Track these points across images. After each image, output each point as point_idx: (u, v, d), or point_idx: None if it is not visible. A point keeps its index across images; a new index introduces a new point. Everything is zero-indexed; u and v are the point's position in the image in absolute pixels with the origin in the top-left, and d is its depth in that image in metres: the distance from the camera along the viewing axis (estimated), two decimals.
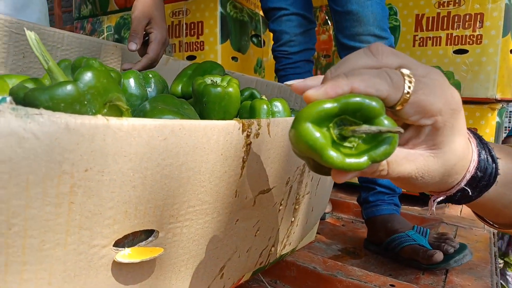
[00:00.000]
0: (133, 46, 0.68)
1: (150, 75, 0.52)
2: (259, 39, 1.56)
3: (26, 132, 0.24)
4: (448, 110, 0.26)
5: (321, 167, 0.28)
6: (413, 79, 0.25)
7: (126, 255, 0.32)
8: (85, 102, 0.28)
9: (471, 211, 0.36)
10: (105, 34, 1.60)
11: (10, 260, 0.26)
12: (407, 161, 0.27)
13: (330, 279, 0.70)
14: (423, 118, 0.26)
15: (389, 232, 0.88)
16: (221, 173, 0.38)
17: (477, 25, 1.23)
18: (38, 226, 0.27)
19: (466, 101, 1.27)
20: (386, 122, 0.24)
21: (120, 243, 0.33)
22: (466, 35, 1.25)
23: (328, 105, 0.24)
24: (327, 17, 1.66)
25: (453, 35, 1.27)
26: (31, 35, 0.29)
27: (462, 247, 0.79)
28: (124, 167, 0.29)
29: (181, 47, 1.44)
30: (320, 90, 0.25)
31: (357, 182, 0.98)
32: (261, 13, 1.54)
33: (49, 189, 0.26)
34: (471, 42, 1.25)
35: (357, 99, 0.24)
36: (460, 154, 0.28)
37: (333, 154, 0.24)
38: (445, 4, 1.27)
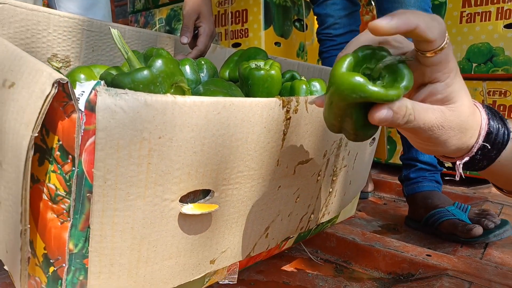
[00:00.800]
0: (185, 39, 0.77)
1: (203, 62, 0.59)
2: (302, 23, 1.58)
3: (116, 107, 0.32)
4: (455, 70, 0.31)
5: (362, 127, 0.32)
6: (448, 36, 0.30)
7: (190, 208, 0.39)
8: (158, 84, 0.36)
9: None
10: (157, 26, 1.71)
11: (105, 206, 0.34)
12: (429, 110, 0.31)
13: (368, 249, 0.74)
14: (440, 72, 0.30)
15: (429, 208, 0.90)
16: (264, 144, 0.44)
17: None
18: (125, 181, 0.35)
19: None
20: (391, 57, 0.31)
21: (184, 200, 0.40)
22: None
23: (351, 58, 0.31)
24: None
25: (504, 8, 1.23)
26: (114, 32, 0.37)
27: (504, 222, 0.80)
28: (187, 136, 0.36)
29: (227, 35, 1.51)
30: (392, 22, 0.28)
31: (399, 162, 1.00)
32: None
33: (133, 151, 0.34)
34: None
35: (370, 50, 0.31)
36: (470, 109, 0.33)
37: (374, 88, 0.29)
38: None
